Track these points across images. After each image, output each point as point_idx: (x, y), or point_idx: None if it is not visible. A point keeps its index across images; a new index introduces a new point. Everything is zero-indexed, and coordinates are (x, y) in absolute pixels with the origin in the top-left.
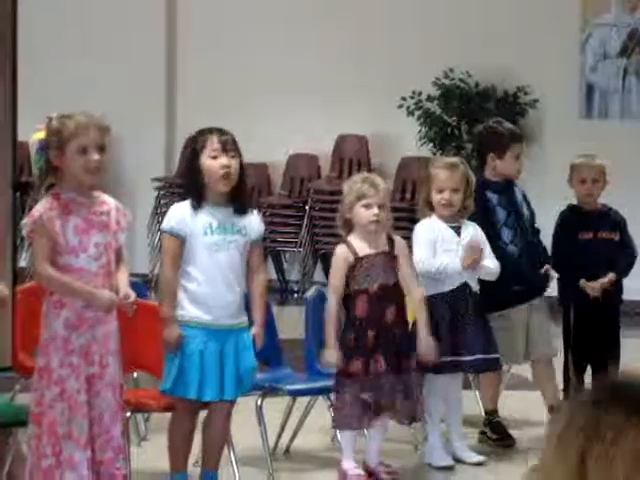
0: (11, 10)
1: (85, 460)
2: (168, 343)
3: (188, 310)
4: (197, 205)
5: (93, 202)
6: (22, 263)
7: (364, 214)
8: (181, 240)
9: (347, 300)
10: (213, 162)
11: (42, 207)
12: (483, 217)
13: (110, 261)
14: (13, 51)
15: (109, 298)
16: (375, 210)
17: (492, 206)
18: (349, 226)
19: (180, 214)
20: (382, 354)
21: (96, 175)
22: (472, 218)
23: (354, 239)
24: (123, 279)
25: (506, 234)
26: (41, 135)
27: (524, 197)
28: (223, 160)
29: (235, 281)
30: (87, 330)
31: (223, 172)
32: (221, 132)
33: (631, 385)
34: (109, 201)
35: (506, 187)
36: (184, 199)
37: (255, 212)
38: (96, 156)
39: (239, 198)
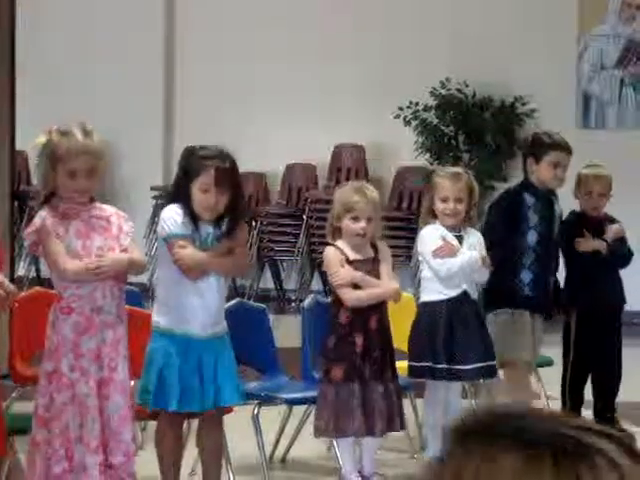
0: (9, 21)
1: (96, 464)
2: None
3: (167, 322)
4: (186, 214)
5: (91, 208)
6: (20, 272)
7: (352, 226)
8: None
9: (332, 305)
10: (201, 196)
11: (43, 216)
12: (510, 218)
13: None
14: (11, 62)
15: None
16: (362, 224)
17: (525, 209)
18: (337, 234)
19: (180, 219)
20: (368, 360)
21: (84, 195)
22: (498, 215)
23: (343, 245)
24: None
25: (532, 237)
26: (42, 140)
27: (560, 216)
28: (211, 199)
29: (217, 289)
30: (97, 334)
31: (208, 207)
32: (220, 160)
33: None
34: (108, 208)
35: (546, 197)
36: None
37: (243, 225)
38: (84, 182)
39: (222, 223)
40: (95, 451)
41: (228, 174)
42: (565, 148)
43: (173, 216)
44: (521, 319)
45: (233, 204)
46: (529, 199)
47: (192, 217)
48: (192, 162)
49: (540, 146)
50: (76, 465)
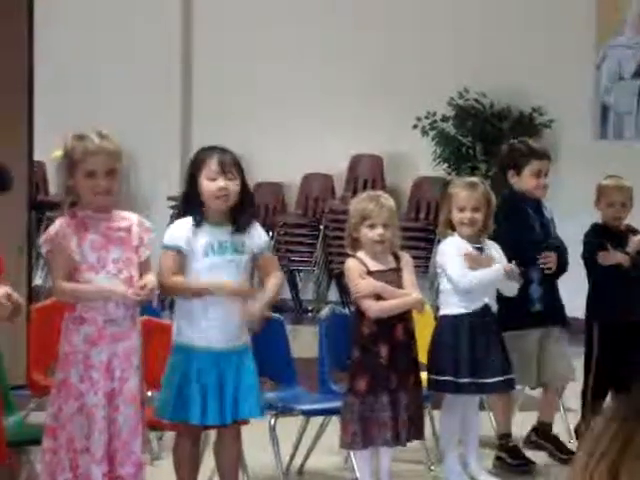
0: (27, 34)
1: (101, 474)
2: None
3: (189, 335)
4: (198, 224)
5: (111, 218)
6: (37, 281)
7: (369, 234)
8: (183, 258)
9: (354, 316)
10: (210, 184)
11: (58, 225)
12: (521, 225)
13: (132, 277)
14: (30, 73)
15: (125, 289)
16: (380, 230)
17: (529, 218)
18: (357, 245)
19: (184, 232)
20: (394, 371)
21: (106, 197)
22: (510, 230)
23: (363, 256)
24: (147, 275)
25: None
26: (59, 153)
27: (552, 219)
28: (220, 183)
29: (235, 301)
30: (108, 345)
31: (220, 194)
32: (222, 151)
33: None
34: (130, 217)
35: (536, 205)
36: (183, 215)
37: (257, 225)
38: (103, 181)
39: (239, 217)
40: (100, 461)
41: (232, 162)
42: (545, 155)
43: (174, 229)
44: (524, 343)
45: (243, 196)
46: (526, 208)
47: (205, 225)
48: (195, 160)
49: (521, 156)
50: (81, 475)
